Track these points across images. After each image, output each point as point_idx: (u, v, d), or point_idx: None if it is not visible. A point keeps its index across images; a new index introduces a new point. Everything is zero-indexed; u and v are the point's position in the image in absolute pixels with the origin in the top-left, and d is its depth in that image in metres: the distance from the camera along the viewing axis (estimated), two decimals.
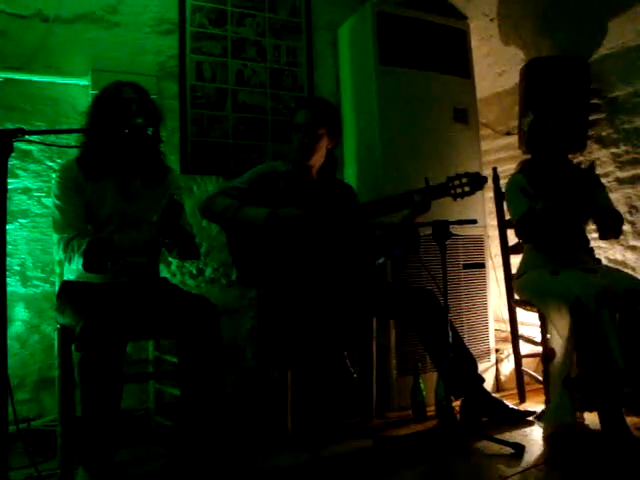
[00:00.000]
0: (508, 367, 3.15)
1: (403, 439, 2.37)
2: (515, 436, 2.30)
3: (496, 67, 3.65)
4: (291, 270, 2.44)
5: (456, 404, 2.40)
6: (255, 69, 3.17)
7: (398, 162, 2.99)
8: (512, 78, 3.43)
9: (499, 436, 2.24)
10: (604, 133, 3.05)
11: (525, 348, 2.95)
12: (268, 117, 3.17)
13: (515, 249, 2.95)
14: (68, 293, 2.12)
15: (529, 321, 3.04)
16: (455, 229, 2.29)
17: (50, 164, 2.65)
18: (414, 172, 2.90)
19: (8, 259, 1.56)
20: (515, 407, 2.56)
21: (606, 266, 2.78)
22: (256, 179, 2.56)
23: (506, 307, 2.98)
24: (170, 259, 2.78)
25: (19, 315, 2.56)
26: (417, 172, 2.88)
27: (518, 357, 2.90)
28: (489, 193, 3.12)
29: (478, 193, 2.46)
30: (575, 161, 2.71)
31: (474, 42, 3.39)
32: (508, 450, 2.12)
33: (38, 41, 2.64)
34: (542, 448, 2.19)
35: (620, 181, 2.97)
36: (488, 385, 2.85)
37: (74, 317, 1.95)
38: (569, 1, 3.19)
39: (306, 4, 3.35)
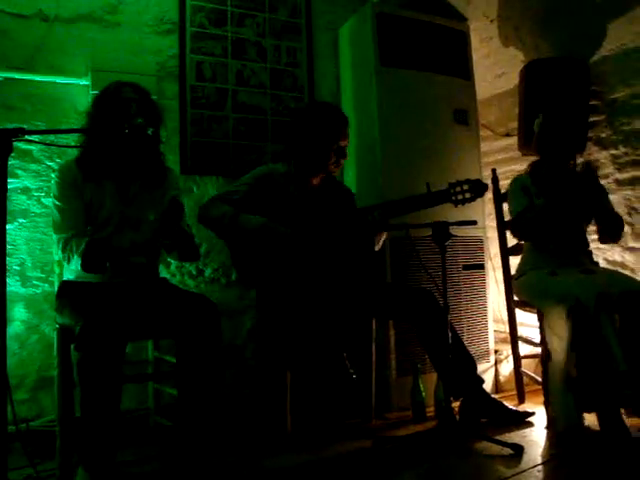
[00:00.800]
0: (507, 368, 3.15)
1: (402, 440, 2.37)
2: (514, 437, 2.30)
3: (496, 68, 3.65)
4: (290, 271, 2.44)
5: (455, 405, 2.41)
6: (255, 69, 3.17)
7: (398, 163, 3.00)
8: (512, 79, 3.43)
9: (498, 437, 2.24)
10: (603, 135, 3.05)
11: (524, 349, 2.95)
12: (268, 118, 3.17)
13: (514, 250, 2.95)
14: (67, 293, 2.11)
15: (528, 322, 3.04)
16: (455, 230, 2.29)
17: (50, 164, 2.65)
18: (414, 173, 2.91)
19: (7, 259, 1.56)
20: (514, 408, 2.56)
21: (604, 268, 2.78)
22: (255, 182, 2.55)
23: (505, 308, 2.99)
24: (169, 259, 2.78)
25: (18, 315, 2.55)
26: (417, 173, 2.90)
27: (517, 358, 2.91)
28: (488, 194, 3.10)
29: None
30: (578, 162, 2.71)
31: (474, 43, 3.40)
32: (507, 451, 2.13)
33: (38, 41, 2.65)
34: (541, 449, 2.20)
35: (619, 183, 2.97)
36: (487, 386, 2.85)
37: (73, 317, 1.95)
38: (568, 3, 3.20)
39: (306, 5, 3.35)
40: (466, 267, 3.07)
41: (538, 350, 2.67)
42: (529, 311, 2.74)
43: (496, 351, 3.17)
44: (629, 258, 2.95)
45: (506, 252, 2.99)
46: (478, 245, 3.14)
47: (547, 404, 2.50)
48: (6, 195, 1.50)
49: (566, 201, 2.54)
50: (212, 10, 3.08)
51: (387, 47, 3.06)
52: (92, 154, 2.13)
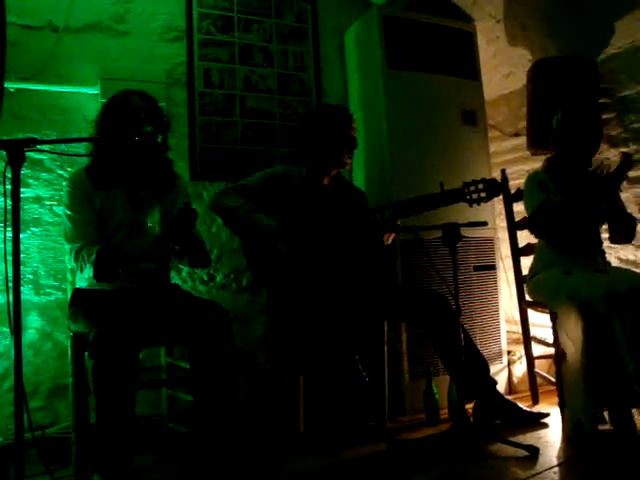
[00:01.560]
0: (520, 369, 3.13)
1: (417, 443, 2.37)
2: (529, 438, 2.28)
3: (503, 68, 3.64)
4: (302, 274, 2.44)
5: (469, 407, 2.40)
6: (263, 75, 3.18)
7: (407, 165, 2.99)
8: (520, 79, 3.42)
9: (513, 438, 2.23)
10: (614, 132, 3.03)
11: (537, 350, 2.94)
12: (276, 122, 3.18)
13: (525, 250, 2.94)
14: (80, 301, 2.13)
15: (541, 322, 3.03)
16: (465, 231, 2.29)
17: (61, 172, 2.67)
18: (423, 174, 2.91)
19: (21, 267, 1.57)
20: (528, 409, 2.54)
21: (616, 267, 2.76)
22: (268, 181, 2.57)
23: (517, 309, 2.97)
24: (181, 266, 2.79)
25: (32, 323, 2.58)
26: (426, 175, 2.89)
27: (530, 359, 2.89)
28: None
29: None
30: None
31: (481, 44, 3.39)
32: (522, 452, 2.11)
33: (48, 51, 2.67)
34: (557, 450, 2.18)
35: (630, 180, 2.94)
36: (500, 387, 2.83)
37: (87, 324, 1.96)
38: (575, 1, 3.18)
39: (312, 9, 3.36)
40: (477, 268, 3.06)
41: (551, 350, 2.65)
42: (541, 311, 2.73)
43: (509, 352, 3.15)
44: None
45: (517, 252, 2.98)
46: (489, 246, 3.13)
47: (562, 405, 2.49)
48: (19, 204, 1.52)
49: (584, 199, 2.52)
50: (219, 17, 3.09)
51: (394, 50, 3.06)
52: (102, 162, 2.15)
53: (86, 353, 1.92)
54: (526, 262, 2.89)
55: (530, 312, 2.90)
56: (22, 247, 2.52)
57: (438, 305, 2.43)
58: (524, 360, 2.99)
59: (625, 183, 2.92)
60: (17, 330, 1.49)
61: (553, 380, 2.66)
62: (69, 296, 2.27)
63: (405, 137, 3.02)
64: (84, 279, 2.16)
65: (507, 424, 2.42)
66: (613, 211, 2.57)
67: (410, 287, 2.84)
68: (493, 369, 2.76)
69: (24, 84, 2.62)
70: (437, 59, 3.17)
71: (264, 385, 2.87)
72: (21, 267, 1.54)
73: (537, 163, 3.22)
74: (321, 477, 2.11)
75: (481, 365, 2.44)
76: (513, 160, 3.51)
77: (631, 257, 2.97)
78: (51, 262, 2.64)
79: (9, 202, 1.53)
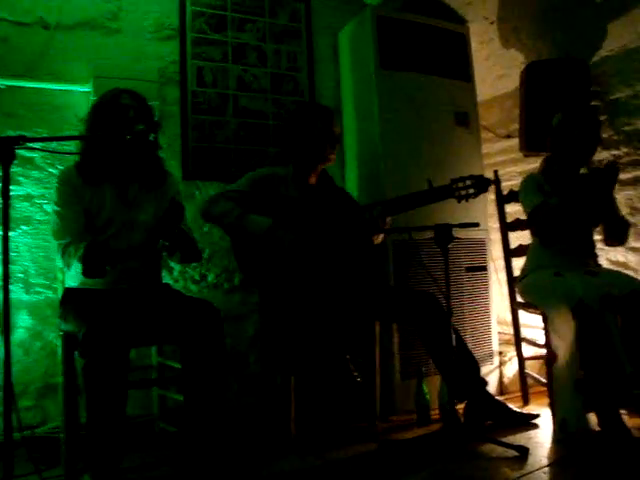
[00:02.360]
0: (511, 370, 3.15)
1: (407, 443, 2.37)
2: (519, 439, 2.29)
3: (496, 70, 3.65)
4: (293, 275, 2.44)
5: (460, 407, 2.40)
6: (256, 74, 3.18)
7: (399, 166, 3.00)
8: (512, 81, 3.43)
9: (503, 439, 2.24)
10: (605, 135, 3.04)
11: (528, 350, 2.95)
12: (269, 122, 3.18)
13: (517, 252, 2.95)
14: (71, 300, 2.12)
15: (532, 323, 3.04)
16: (457, 232, 2.29)
17: (52, 171, 2.65)
18: (415, 175, 2.90)
19: (11, 266, 1.56)
20: (519, 410, 2.55)
21: (608, 269, 2.78)
22: (257, 182, 2.58)
23: (509, 310, 2.98)
24: (172, 264, 2.78)
25: (22, 322, 2.56)
26: (419, 175, 2.88)
27: (521, 360, 2.91)
28: (490, 195, 3.12)
29: (480, 196, 2.45)
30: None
31: (474, 45, 3.40)
32: (512, 453, 2.12)
33: (40, 48, 2.66)
34: (547, 451, 2.19)
35: (621, 183, 2.95)
36: (491, 388, 2.84)
37: (77, 323, 1.95)
38: (569, 4, 3.20)
39: (306, 9, 3.36)
40: (469, 269, 3.07)
41: (542, 351, 2.67)
42: (533, 312, 2.74)
43: (500, 353, 3.16)
44: (632, 258, 2.95)
45: (509, 253, 2.99)
46: (481, 247, 3.14)
47: (552, 406, 2.50)
48: (9, 202, 1.51)
49: (580, 202, 2.53)
50: (212, 15, 3.09)
51: (387, 50, 3.07)
52: (92, 159, 2.14)
53: (76, 352, 1.91)
54: (518, 263, 2.90)
55: (521, 313, 2.91)
56: (12, 245, 2.50)
57: (429, 305, 2.43)
58: (515, 361, 3.01)
59: (617, 186, 2.95)
60: (6, 329, 1.48)
61: (544, 381, 2.67)
62: (59, 295, 2.25)
63: (398, 137, 3.02)
64: (74, 278, 2.15)
65: (498, 425, 2.43)
66: (608, 214, 2.58)
67: (402, 287, 2.85)
68: (484, 370, 2.78)
69: (15, 81, 2.60)
70: (430, 60, 3.18)
71: (255, 385, 2.87)
72: (11, 266, 1.54)
73: (529, 165, 3.25)
74: (311, 477, 2.11)
75: (472, 366, 2.45)
76: (505, 162, 3.53)
77: (621, 259, 2.99)
78: (41, 261, 2.62)
79: None
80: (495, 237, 3.18)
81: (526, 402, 2.85)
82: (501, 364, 3.14)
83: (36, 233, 2.62)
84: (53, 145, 2.57)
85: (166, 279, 2.68)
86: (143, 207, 2.22)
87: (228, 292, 2.99)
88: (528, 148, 3.10)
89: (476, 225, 2.45)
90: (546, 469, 2.00)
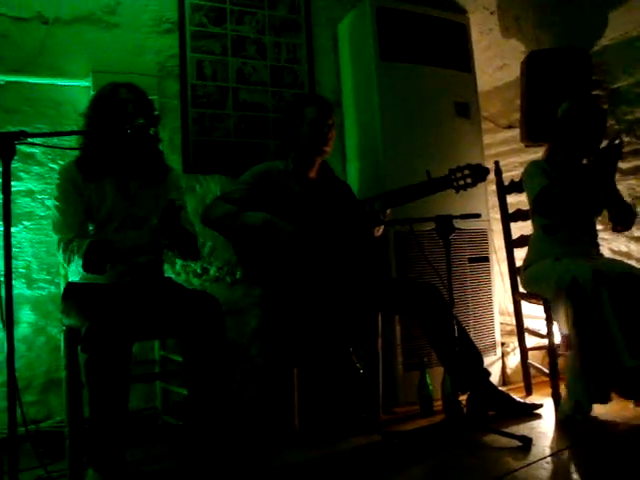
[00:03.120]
0: (514, 360, 3.15)
1: (411, 434, 2.38)
2: (522, 429, 2.30)
3: (497, 60, 3.64)
4: (295, 268, 2.44)
5: (463, 398, 2.40)
6: (255, 67, 3.16)
7: (400, 157, 2.99)
8: (513, 71, 3.42)
9: (506, 429, 2.24)
10: (606, 124, 3.03)
11: (531, 341, 2.95)
12: (269, 115, 3.17)
13: (519, 242, 2.95)
14: (73, 294, 2.12)
15: (534, 314, 3.04)
16: (458, 223, 2.29)
17: (53, 166, 2.65)
18: (416, 167, 2.87)
19: (13, 262, 1.56)
20: (522, 400, 2.55)
21: (608, 258, 2.78)
22: (255, 180, 2.59)
23: (511, 300, 2.98)
24: (174, 259, 2.78)
25: (25, 317, 2.56)
26: (419, 167, 2.86)
27: (524, 350, 2.91)
28: (492, 186, 3.11)
29: (481, 186, 2.45)
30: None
31: (474, 36, 3.39)
32: (516, 443, 2.13)
33: (38, 43, 2.64)
34: (550, 441, 2.19)
35: (623, 172, 2.96)
36: (494, 379, 2.84)
37: (79, 318, 1.95)
38: None
39: (305, 1, 3.34)
40: (471, 260, 3.06)
41: (545, 342, 2.67)
42: (535, 303, 2.74)
43: (502, 344, 3.17)
44: (634, 248, 2.95)
45: (511, 244, 2.99)
46: (482, 238, 3.14)
47: (555, 396, 2.51)
48: (10, 198, 1.51)
49: (584, 190, 2.52)
50: (211, 8, 3.07)
51: (387, 41, 3.05)
52: (92, 154, 2.14)
53: (79, 347, 1.91)
54: (520, 254, 2.90)
55: (524, 304, 2.91)
56: (14, 241, 2.51)
57: (431, 297, 2.43)
58: (517, 352, 3.01)
59: (618, 175, 2.94)
60: (9, 324, 1.49)
61: (546, 371, 2.67)
62: (62, 290, 2.26)
63: (398, 129, 3.02)
64: (76, 272, 2.15)
65: (500, 415, 2.44)
66: (612, 200, 2.58)
67: (403, 279, 2.85)
68: (487, 361, 2.77)
69: (14, 77, 2.59)
70: (430, 51, 3.16)
71: (258, 377, 2.87)
72: (13, 261, 1.54)
73: (531, 155, 3.25)
74: (315, 469, 2.12)
75: (475, 357, 2.45)
76: (506, 152, 3.52)
77: (623, 248, 2.99)
78: (44, 256, 2.62)
79: (0, 196, 1.52)
80: (497, 228, 3.18)
81: (529, 392, 2.85)
82: (503, 355, 3.14)
83: (38, 228, 2.62)
84: (54, 140, 2.55)
85: (168, 272, 2.68)
86: (145, 202, 2.22)
87: (230, 285, 2.99)
88: (529, 138, 3.10)
89: (477, 216, 2.45)
90: (549, 459, 2.00)
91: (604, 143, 2.55)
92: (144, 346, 2.62)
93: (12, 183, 1.53)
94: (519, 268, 2.84)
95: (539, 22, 3.33)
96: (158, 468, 2.17)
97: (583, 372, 2.22)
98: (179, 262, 2.87)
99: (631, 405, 2.40)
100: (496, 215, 3.15)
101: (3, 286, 1.52)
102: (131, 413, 1.96)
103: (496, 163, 3.04)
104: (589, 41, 3.07)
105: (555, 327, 2.53)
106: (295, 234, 2.42)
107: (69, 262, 2.06)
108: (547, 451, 2.08)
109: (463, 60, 3.27)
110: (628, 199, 2.88)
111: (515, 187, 2.93)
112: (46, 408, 2.56)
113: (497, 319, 3.15)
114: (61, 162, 2.63)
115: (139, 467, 2.14)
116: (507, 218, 3.01)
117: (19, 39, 2.62)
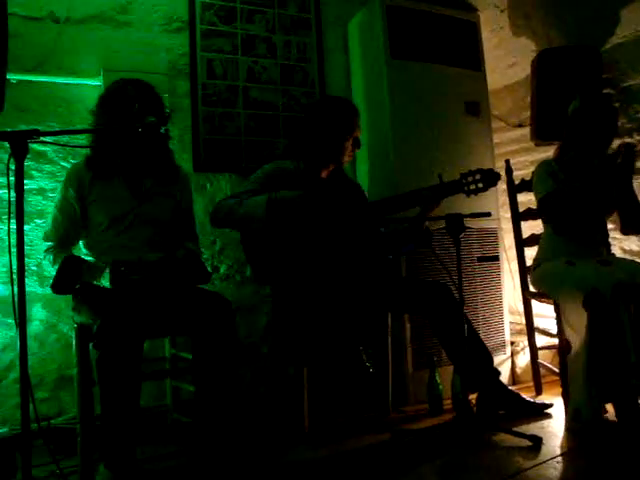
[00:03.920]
0: (524, 360, 3.14)
1: (420, 433, 2.38)
2: (532, 428, 2.29)
3: (507, 59, 3.62)
4: (305, 266, 2.44)
5: (472, 397, 2.40)
6: (265, 66, 3.17)
7: (410, 156, 2.99)
8: (523, 69, 3.40)
9: (516, 429, 2.24)
10: (618, 123, 3.01)
11: (541, 340, 2.94)
12: (279, 113, 3.17)
13: (529, 241, 2.94)
14: (84, 292, 2.13)
15: (544, 313, 3.03)
16: (469, 222, 2.29)
17: (64, 164, 2.66)
18: (427, 166, 2.90)
19: (25, 259, 1.57)
20: (531, 399, 2.55)
21: (621, 258, 2.76)
22: (265, 180, 2.52)
23: (521, 299, 2.97)
24: None
25: (37, 315, 2.58)
26: (430, 166, 2.88)
27: (534, 349, 2.90)
28: (502, 185, 3.10)
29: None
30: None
31: (484, 34, 3.37)
32: (525, 442, 2.12)
33: (50, 43, 2.66)
34: (560, 440, 2.19)
35: (635, 171, 2.93)
36: (504, 378, 2.84)
37: (91, 316, 1.97)
38: None
39: None
40: (481, 259, 3.06)
41: (555, 341, 2.66)
42: (545, 302, 2.73)
43: (512, 343, 3.16)
44: None
45: (521, 243, 2.98)
46: (493, 237, 3.13)
47: (565, 395, 2.49)
48: (23, 196, 1.52)
49: (594, 190, 2.50)
50: (221, 7, 3.08)
51: (397, 39, 3.05)
52: (102, 152, 2.15)
53: (90, 344, 1.93)
54: (530, 253, 2.89)
55: (534, 303, 2.89)
56: (26, 239, 2.49)
57: (441, 295, 2.43)
58: (527, 351, 2.99)
59: None
60: (22, 322, 1.49)
61: (556, 371, 2.66)
62: None
63: (408, 128, 3.01)
64: None
65: (510, 414, 2.43)
66: (625, 201, 2.55)
67: (413, 278, 2.84)
68: (496, 360, 2.77)
69: (26, 75, 2.61)
70: (440, 49, 3.15)
71: (268, 375, 2.88)
72: (25, 259, 1.54)
73: (541, 154, 3.23)
74: (324, 467, 2.12)
75: (484, 356, 2.45)
76: (517, 151, 3.50)
77: (635, 248, 2.97)
78: None
79: (13, 194, 1.53)
80: (507, 227, 3.16)
81: (539, 392, 2.84)
82: (513, 354, 3.13)
83: None
84: (65, 139, 2.58)
85: None
86: (156, 202, 2.23)
87: (240, 283, 3.00)
88: (539, 137, 3.08)
89: (488, 215, 2.45)
90: (559, 459, 2.00)
91: (617, 142, 2.53)
92: (154, 344, 2.63)
93: (24, 181, 1.54)
94: (529, 267, 2.83)
95: (550, 20, 3.31)
96: (168, 465, 2.18)
97: (587, 379, 2.20)
98: None
99: None
100: (506, 214, 3.14)
101: (16, 284, 1.53)
102: (141, 410, 1.97)
103: (506, 162, 3.03)
104: (600, 39, 3.05)
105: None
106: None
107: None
108: (557, 451, 2.07)
109: (473, 58, 3.25)
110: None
111: (525, 186, 2.92)
112: (58, 405, 2.58)
113: (507, 318, 3.14)
114: (72, 160, 2.64)
115: (149, 464, 2.15)
116: (517, 217, 2.99)
117: (31, 38, 2.64)
